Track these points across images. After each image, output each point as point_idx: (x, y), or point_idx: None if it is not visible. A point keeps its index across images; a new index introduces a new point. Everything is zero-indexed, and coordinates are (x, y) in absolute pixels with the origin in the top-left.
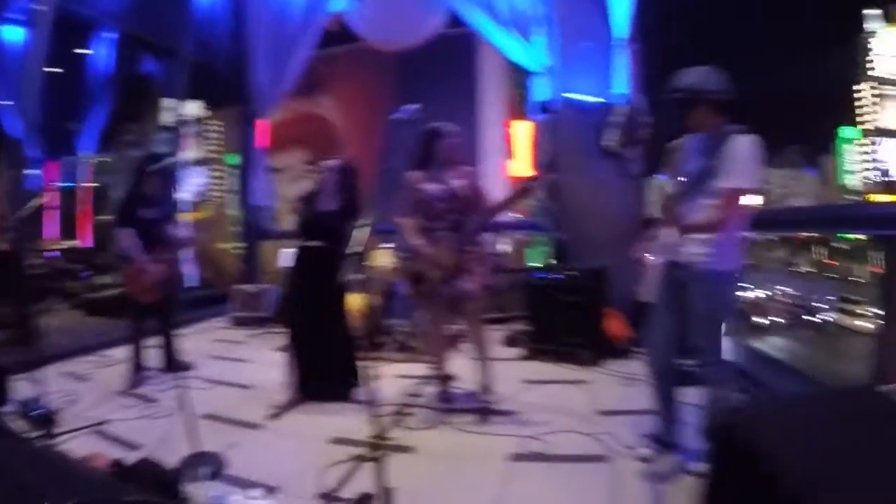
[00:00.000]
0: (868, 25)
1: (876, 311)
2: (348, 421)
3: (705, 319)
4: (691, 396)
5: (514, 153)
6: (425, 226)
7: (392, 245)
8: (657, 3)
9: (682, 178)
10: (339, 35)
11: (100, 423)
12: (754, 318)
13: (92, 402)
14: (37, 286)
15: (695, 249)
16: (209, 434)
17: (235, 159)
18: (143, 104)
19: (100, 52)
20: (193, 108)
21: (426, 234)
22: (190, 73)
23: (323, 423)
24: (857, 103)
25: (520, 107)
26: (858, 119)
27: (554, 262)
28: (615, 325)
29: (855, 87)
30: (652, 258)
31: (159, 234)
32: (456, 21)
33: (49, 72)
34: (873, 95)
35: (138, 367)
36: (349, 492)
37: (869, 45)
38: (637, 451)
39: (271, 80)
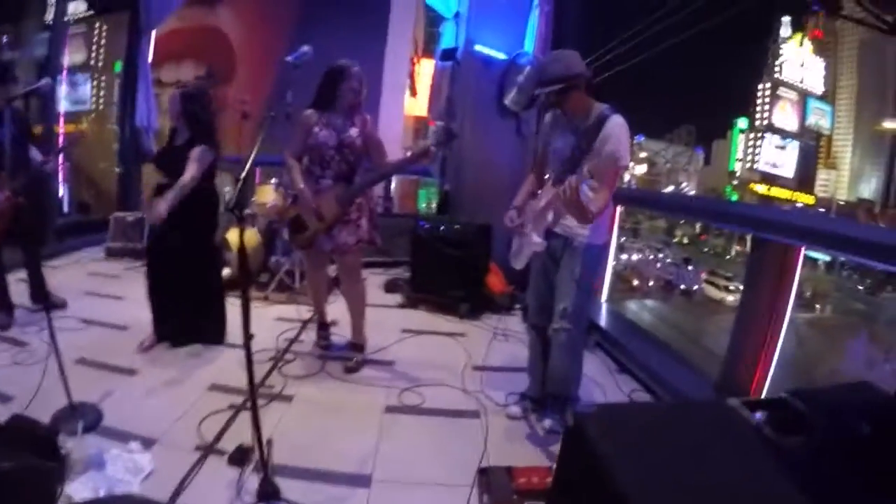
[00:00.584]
0: (782, 31)
1: (739, 286)
2: (226, 366)
3: (572, 287)
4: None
5: (416, 92)
6: (313, 171)
7: (277, 181)
8: None
9: (553, 154)
10: None
11: None
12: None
13: None
14: None
15: (571, 223)
16: (83, 382)
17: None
18: (20, 3)
19: None
20: (78, 7)
21: (312, 180)
22: None
23: (200, 369)
24: (756, 100)
25: (429, 47)
26: (756, 114)
27: (439, 212)
28: (495, 282)
29: (759, 86)
30: (526, 227)
31: (11, 156)
32: None
33: None
34: (770, 95)
35: (3, 306)
36: (228, 443)
37: (780, 51)
38: (508, 409)
39: None
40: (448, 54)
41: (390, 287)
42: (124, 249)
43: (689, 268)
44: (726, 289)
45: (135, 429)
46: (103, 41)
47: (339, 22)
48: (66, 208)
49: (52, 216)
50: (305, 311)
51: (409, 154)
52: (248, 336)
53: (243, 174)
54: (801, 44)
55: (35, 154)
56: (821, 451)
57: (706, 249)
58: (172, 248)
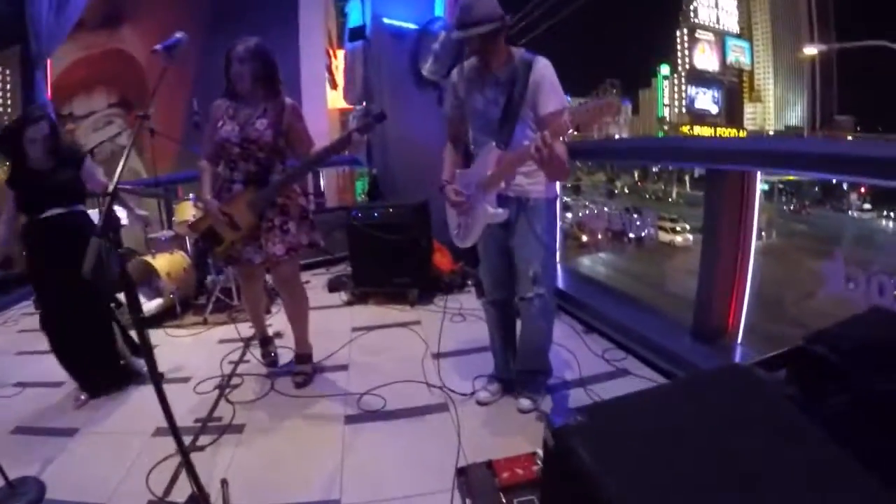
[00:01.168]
0: None
1: (686, 226)
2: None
3: (538, 247)
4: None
5: (336, 84)
6: (224, 174)
7: (194, 196)
8: None
9: (474, 114)
10: None
11: None
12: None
13: None
14: None
15: (522, 181)
16: (22, 452)
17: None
18: None
19: None
20: None
21: (225, 185)
22: None
23: (141, 413)
24: (676, 45)
25: (342, 36)
26: (677, 60)
27: (370, 199)
28: (442, 260)
29: (676, 32)
30: (472, 199)
31: None
32: None
33: None
34: (689, 39)
35: None
36: (180, 492)
37: None
38: (477, 395)
39: (53, 12)
40: (357, 33)
41: (334, 286)
42: None
43: (635, 216)
44: (674, 230)
45: (82, 496)
46: (8, 87)
47: (248, 22)
48: None
49: None
50: (248, 329)
51: (328, 144)
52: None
53: (111, 188)
54: None
55: None
56: (862, 405)
57: (648, 196)
58: (57, 287)
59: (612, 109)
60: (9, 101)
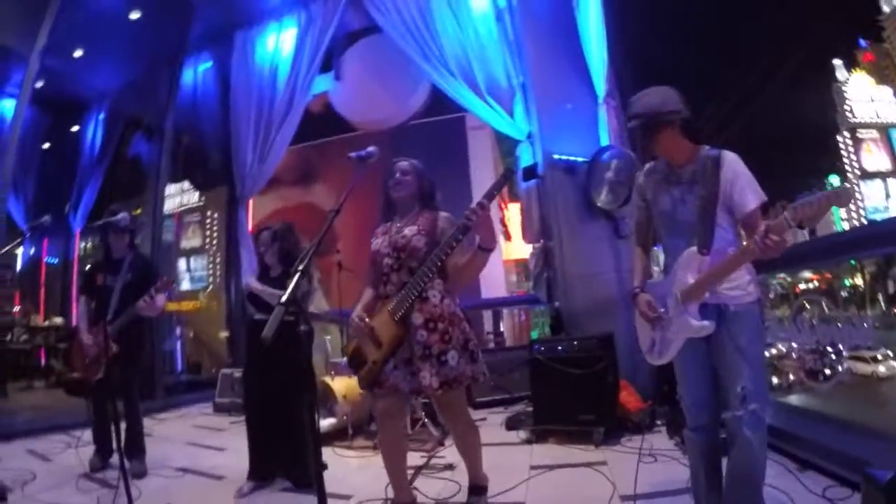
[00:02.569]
0: (839, 76)
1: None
2: None
3: (745, 361)
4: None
5: (510, 235)
6: (378, 292)
7: None
8: (631, 57)
9: (663, 216)
10: (326, 120)
11: None
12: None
13: (48, 484)
14: (18, 362)
15: (720, 287)
16: None
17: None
18: (133, 185)
19: (91, 131)
20: (191, 195)
21: (381, 301)
22: (179, 154)
23: None
24: (840, 151)
25: (513, 190)
26: (845, 166)
27: (553, 333)
28: (629, 399)
29: (837, 137)
30: (667, 314)
31: (116, 304)
32: (442, 106)
33: (42, 148)
34: (852, 141)
35: (100, 450)
36: None
37: (844, 95)
38: None
39: (256, 161)
40: (530, 172)
41: (512, 424)
42: (231, 404)
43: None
44: (874, 360)
45: None
46: (215, 226)
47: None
48: (178, 367)
49: (157, 371)
50: (418, 458)
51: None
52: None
53: (301, 266)
54: (854, 69)
55: (144, 302)
56: None
57: (839, 324)
58: (268, 380)
59: (845, 199)
60: (214, 235)
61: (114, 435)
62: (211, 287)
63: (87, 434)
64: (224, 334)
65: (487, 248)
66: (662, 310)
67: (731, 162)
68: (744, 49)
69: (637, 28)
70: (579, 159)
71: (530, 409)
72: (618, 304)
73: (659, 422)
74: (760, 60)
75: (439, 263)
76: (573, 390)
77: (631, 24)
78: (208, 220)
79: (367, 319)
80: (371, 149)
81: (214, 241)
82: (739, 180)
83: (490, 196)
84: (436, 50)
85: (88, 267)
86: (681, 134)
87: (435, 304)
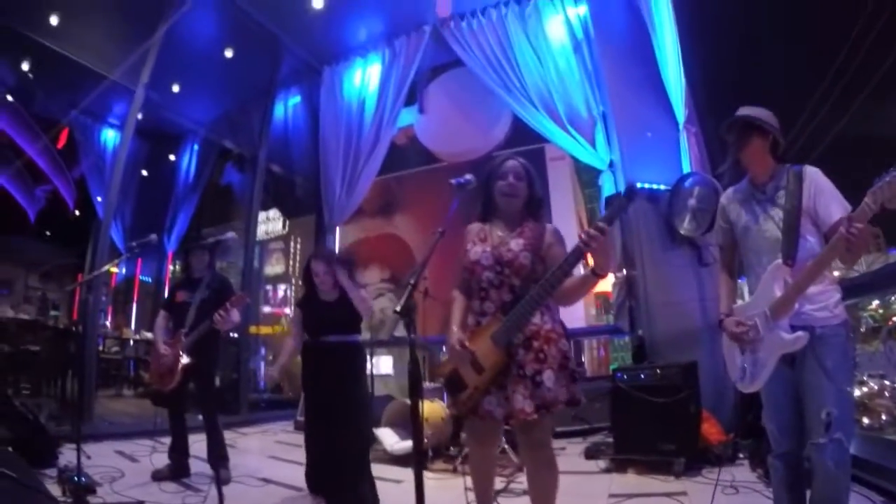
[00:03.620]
0: None
1: None
2: None
3: (831, 385)
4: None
5: (589, 264)
6: (473, 306)
7: None
8: (710, 82)
9: (746, 234)
10: (411, 152)
11: (137, 503)
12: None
13: (134, 483)
14: (109, 371)
15: (806, 307)
16: None
17: None
18: (224, 212)
19: (186, 160)
20: (277, 221)
21: (473, 317)
22: (269, 184)
23: None
24: None
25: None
26: None
27: (636, 362)
28: (711, 430)
29: None
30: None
31: (192, 319)
32: (522, 137)
33: (140, 175)
34: None
35: (178, 456)
36: None
37: None
38: None
39: (344, 191)
40: (612, 202)
41: (591, 453)
42: None
43: None
44: None
45: None
46: (298, 254)
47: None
48: (261, 384)
49: (243, 388)
50: (499, 482)
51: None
52: None
53: (413, 279)
54: None
55: (220, 317)
56: None
57: None
58: (329, 397)
59: None
60: (298, 263)
61: (206, 443)
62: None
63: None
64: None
65: (600, 273)
66: (752, 323)
67: (814, 175)
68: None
69: (720, 51)
70: (661, 187)
71: (609, 439)
72: (701, 333)
73: (741, 455)
74: (847, 71)
75: (550, 291)
76: (655, 419)
77: (714, 48)
78: (291, 249)
79: (467, 344)
80: (468, 176)
81: (297, 269)
82: (823, 193)
83: (610, 219)
84: (517, 82)
85: (172, 285)
86: (769, 150)
87: (532, 321)
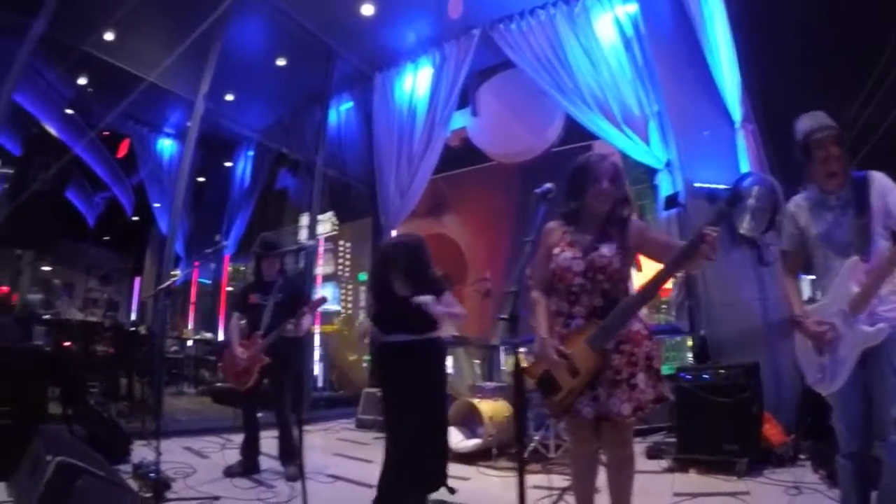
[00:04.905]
0: None
1: None
2: None
3: None
4: None
5: (641, 266)
6: (561, 309)
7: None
8: (766, 79)
9: (822, 239)
10: (464, 154)
11: (213, 498)
12: None
13: (207, 478)
14: (172, 370)
15: (877, 307)
16: None
17: (364, 276)
18: (278, 215)
19: (242, 166)
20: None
21: (561, 321)
22: (323, 187)
23: None
24: None
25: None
26: None
27: (698, 362)
28: (773, 431)
29: None
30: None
31: (268, 321)
32: (570, 135)
33: (197, 181)
34: None
35: (243, 461)
36: None
37: None
38: None
39: (398, 194)
40: (671, 201)
41: (653, 453)
42: (374, 421)
43: None
44: None
45: None
46: (348, 256)
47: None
48: (320, 384)
49: (301, 384)
50: (562, 480)
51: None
52: None
53: (515, 287)
54: None
55: (293, 321)
56: None
57: None
58: (405, 398)
59: None
60: (347, 264)
61: (278, 441)
62: (343, 313)
63: (239, 438)
64: (352, 357)
65: (693, 272)
66: (831, 322)
67: (880, 179)
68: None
69: (776, 48)
70: (720, 186)
71: (669, 439)
72: (762, 333)
73: (802, 456)
74: None
75: (649, 298)
76: (718, 419)
77: (767, 43)
78: (341, 250)
79: (561, 348)
80: (549, 185)
81: (347, 270)
82: (891, 195)
83: (715, 224)
84: (569, 82)
85: (242, 287)
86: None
87: None
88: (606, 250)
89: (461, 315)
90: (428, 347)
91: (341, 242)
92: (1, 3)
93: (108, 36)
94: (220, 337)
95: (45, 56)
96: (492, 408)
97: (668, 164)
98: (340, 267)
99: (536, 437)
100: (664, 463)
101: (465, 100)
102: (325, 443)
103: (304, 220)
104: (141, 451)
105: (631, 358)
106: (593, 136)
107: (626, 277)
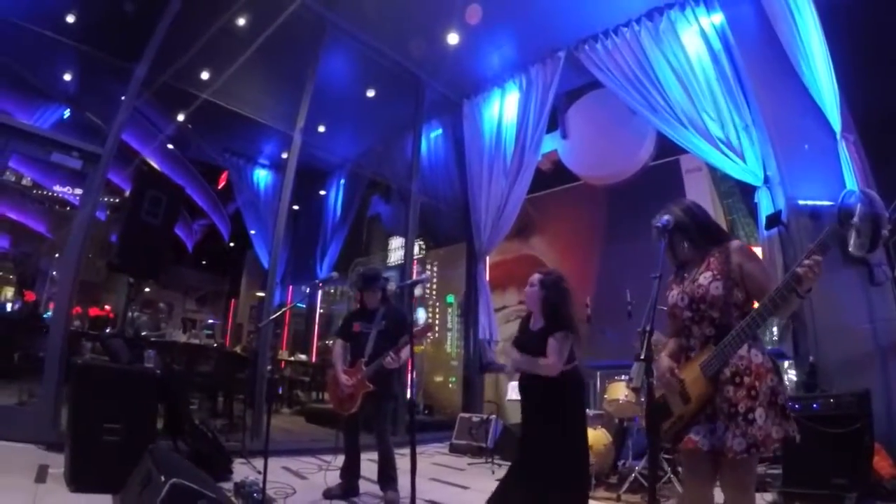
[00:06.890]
0: None
1: None
2: None
3: None
4: None
5: None
6: (682, 345)
7: (628, 377)
8: (863, 86)
9: None
10: (550, 175)
11: None
12: None
13: (307, 499)
14: (267, 390)
15: None
16: None
17: (452, 299)
18: (372, 241)
19: (335, 194)
20: (416, 248)
21: (683, 355)
22: (416, 213)
23: None
24: None
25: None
26: None
27: (807, 390)
28: (883, 464)
29: None
30: None
31: (371, 349)
32: (658, 151)
33: (292, 209)
34: None
35: (350, 476)
36: None
37: None
38: None
39: (491, 219)
40: (773, 220)
41: (757, 486)
42: (468, 447)
43: None
44: None
45: None
46: (435, 279)
47: (643, 229)
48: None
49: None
50: None
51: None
52: None
53: (648, 326)
54: None
55: (392, 351)
56: None
57: None
58: (542, 439)
59: None
60: (434, 288)
61: (378, 465)
62: (431, 336)
63: (337, 460)
64: (438, 379)
65: (803, 295)
66: None
67: None
68: None
69: (871, 54)
70: (824, 203)
71: (773, 470)
72: (872, 359)
73: None
74: None
75: (760, 323)
76: (827, 451)
77: (865, 51)
78: (428, 273)
79: (676, 371)
80: (666, 217)
81: (434, 293)
82: None
83: (823, 249)
84: (660, 100)
85: (346, 316)
86: None
87: (742, 356)
88: (703, 279)
89: (543, 366)
90: (549, 384)
91: (428, 266)
92: (106, 49)
93: (205, 75)
94: (314, 359)
95: (146, 95)
96: (591, 436)
97: (766, 181)
98: (428, 290)
99: (637, 467)
100: (768, 496)
101: (555, 122)
102: (419, 467)
103: (393, 243)
104: (241, 470)
105: (751, 392)
106: (680, 151)
107: (734, 303)
